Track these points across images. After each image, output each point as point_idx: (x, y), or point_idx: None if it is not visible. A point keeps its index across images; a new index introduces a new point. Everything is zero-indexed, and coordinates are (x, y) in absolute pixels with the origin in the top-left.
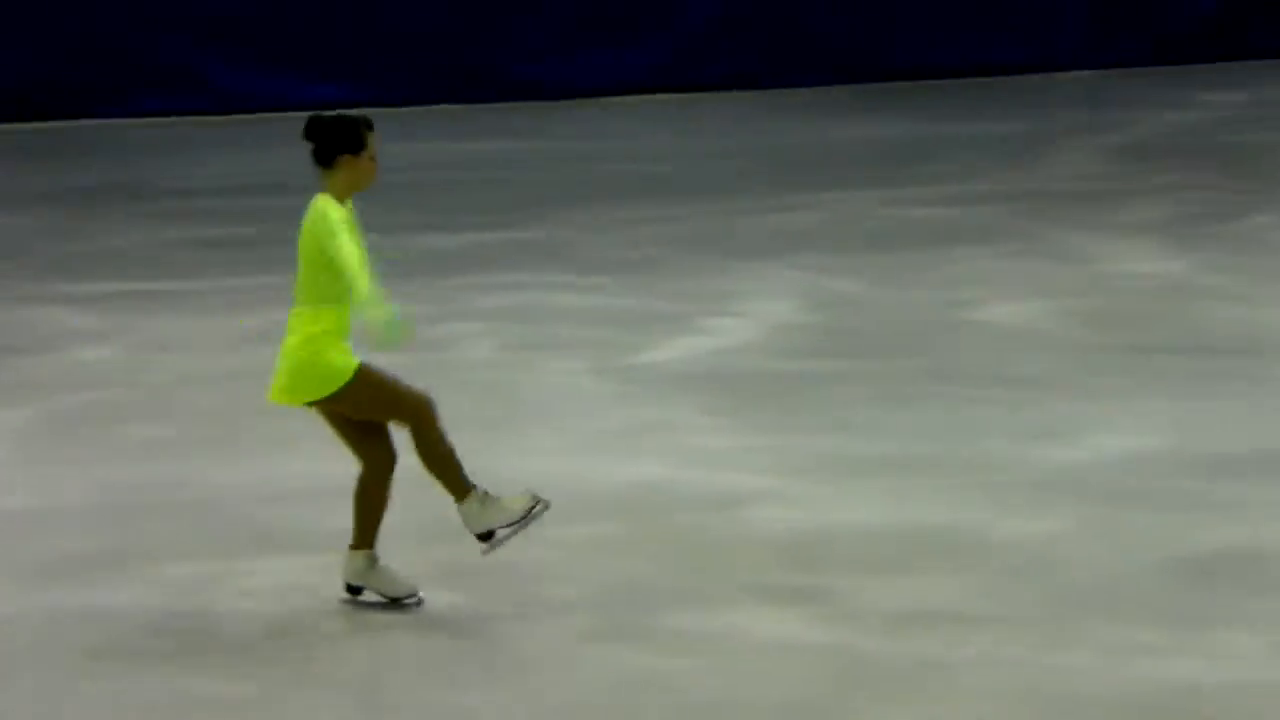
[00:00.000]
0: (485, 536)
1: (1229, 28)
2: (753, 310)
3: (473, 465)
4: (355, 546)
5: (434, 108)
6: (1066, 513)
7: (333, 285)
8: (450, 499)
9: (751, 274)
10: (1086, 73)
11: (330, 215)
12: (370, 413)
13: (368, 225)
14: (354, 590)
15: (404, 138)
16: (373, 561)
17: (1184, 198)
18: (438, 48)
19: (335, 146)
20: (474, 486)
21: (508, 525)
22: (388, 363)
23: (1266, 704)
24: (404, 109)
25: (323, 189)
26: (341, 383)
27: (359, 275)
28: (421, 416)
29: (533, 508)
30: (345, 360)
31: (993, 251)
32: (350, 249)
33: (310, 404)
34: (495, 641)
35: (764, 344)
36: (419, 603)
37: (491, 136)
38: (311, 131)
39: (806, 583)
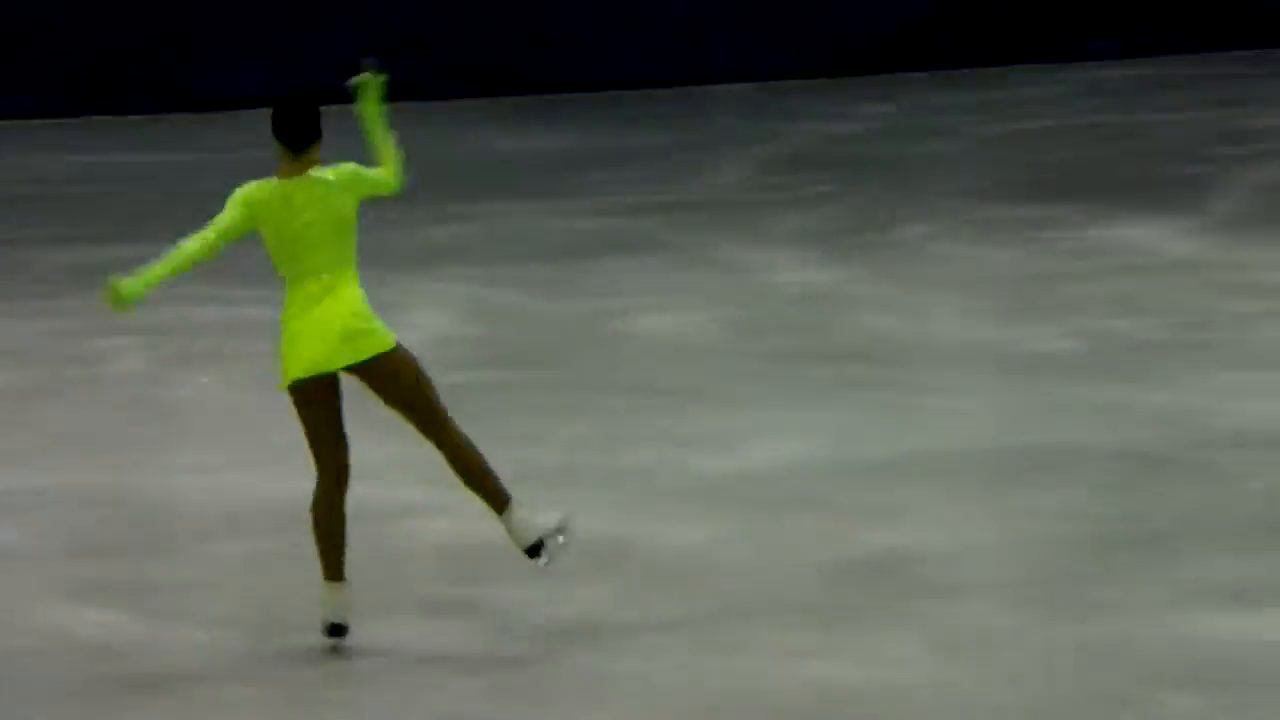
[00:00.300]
0: (534, 551)
1: (882, 41)
2: (414, 322)
3: (125, 482)
4: (330, 579)
5: (83, 119)
6: (725, 519)
7: (353, 248)
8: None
9: (412, 286)
10: (743, 85)
11: (346, 165)
12: (412, 390)
13: (5, 239)
14: (340, 631)
15: (50, 149)
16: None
17: (839, 208)
18: (88, 57)
19: (316, 132)
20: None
21: (556, 529)
22: None
23: (922, 705)
24: (47, 120)
25: (290, 172)
26: (394, 341)
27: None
28: (450, 419)
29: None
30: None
31: (652, 262)
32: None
33: (349, 370)
34: (151, 659)
35: (426, 356)
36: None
37: (143, 148)
38: (299, 117)
39: (467, 594)
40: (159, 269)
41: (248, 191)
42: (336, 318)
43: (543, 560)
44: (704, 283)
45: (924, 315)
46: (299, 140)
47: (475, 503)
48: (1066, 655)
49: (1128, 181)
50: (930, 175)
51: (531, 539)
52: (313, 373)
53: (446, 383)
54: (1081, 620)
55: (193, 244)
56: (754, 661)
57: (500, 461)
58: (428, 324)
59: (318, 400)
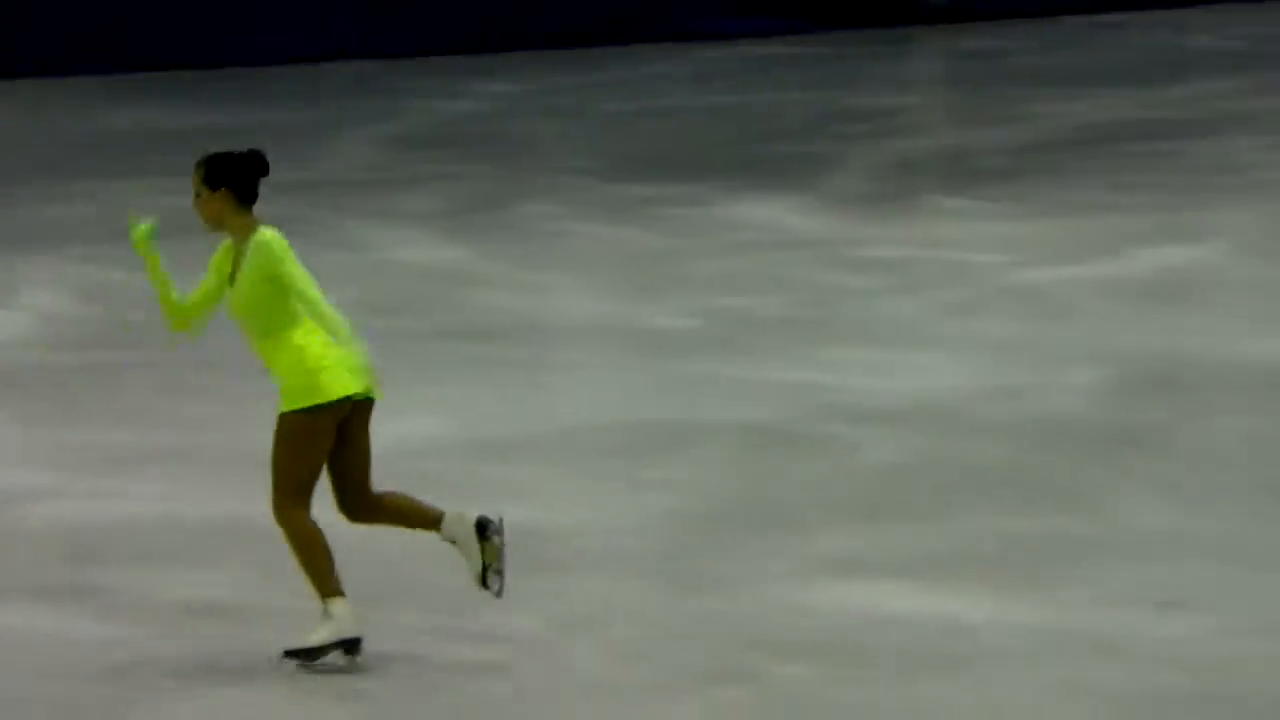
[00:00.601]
0: (483, 528)
1: (501, 19)
2: (28, 302)
3: None
4: (336, 595)
5: None
6: None
7: None
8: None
9: (25, 265)
10: (362, 62)
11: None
12: (368, 440)
13: None
14: (358, 646)
15: None
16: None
17: (459, 186)
18: None
19: None
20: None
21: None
22: None
23: (540, 683)
24: None
25: (246, 227)
26: None
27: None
28: None
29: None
30: None
31: None
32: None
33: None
34: None
35: (42, 336)
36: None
37: None
38: (262, 171)
39: (86, 578)
40: (349, 346)
41: (281, 242)
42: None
43: (495, 524)
44: (330, 261)
45: (548, 293)
46: (256, 193)
47: (91, 485)
48: (685, 629)
49: (748, 160)
50: (553, 153)
51: (472, 519)
52: (365, 388)
53: (65, 363)
54: (701, 594)
55: (328, 308)
56: (375, 642)
57: (117, 443)
58: (45, 304)
59: (336, 427)
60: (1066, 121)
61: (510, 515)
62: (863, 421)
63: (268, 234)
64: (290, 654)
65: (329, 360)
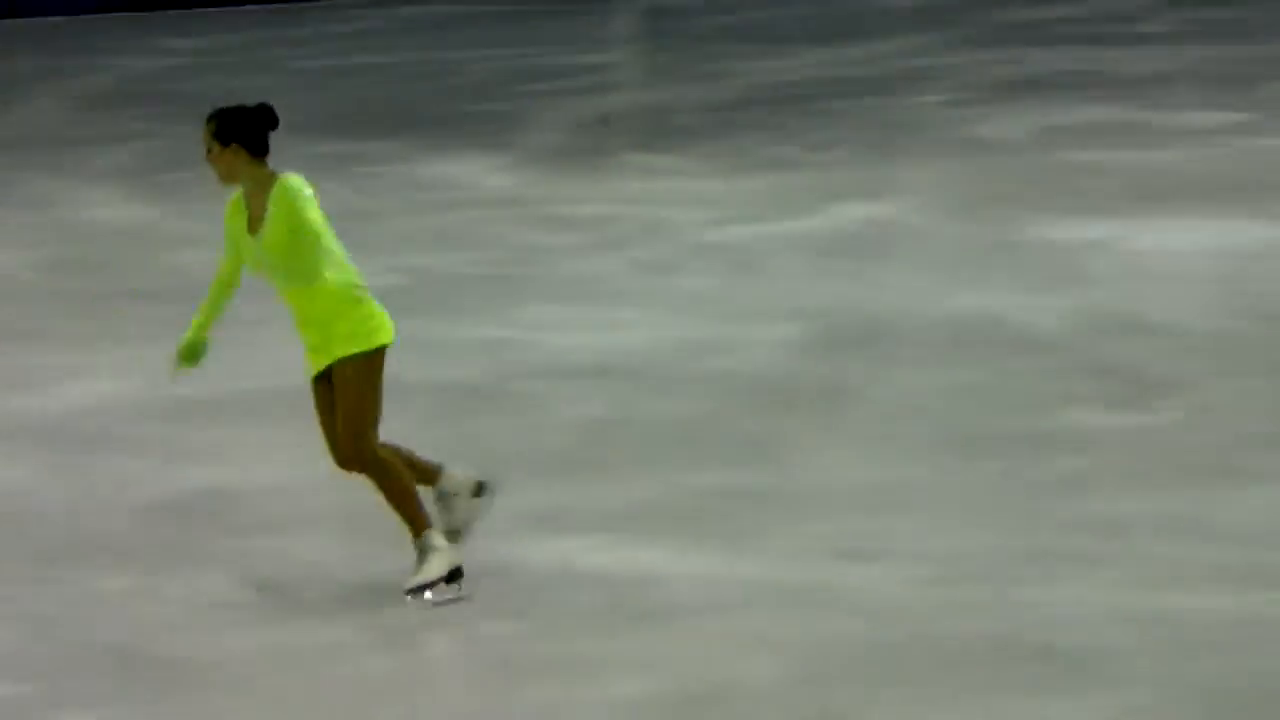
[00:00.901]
0: (479, 490)
1: None
2: None
3: None
4: (429, 527)
5: None
6: (33, 461)
7: None
8: None
9: None
10: (51, 19)
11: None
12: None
13: None
14: (460, 574)
15: None
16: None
17: (152, 144)
18: None
19: None
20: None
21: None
22: None
23: (236, 643)
24: None
25: (262, 179)
26: None
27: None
28: None
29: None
30: None
31: None
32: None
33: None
34: None
35: None
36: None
37: None
38: (273, 123)
39: None
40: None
41: (302, 189)
42: None
43: (489, 486)
44: (16, 220)
45: None
46: (268, 146)
47: None
48: (387, 587)
49: (444, 117)
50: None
51: (474, 478)
52: None
53: None
54: (401, 552)
55: (343, 259)
56: (63, 607)
57: None
58: None
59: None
60: (760, 79)
61: (202, 477)
62: (561, 378)
63: (291, 179)
64: (411, 591)
65: (377, 306)
